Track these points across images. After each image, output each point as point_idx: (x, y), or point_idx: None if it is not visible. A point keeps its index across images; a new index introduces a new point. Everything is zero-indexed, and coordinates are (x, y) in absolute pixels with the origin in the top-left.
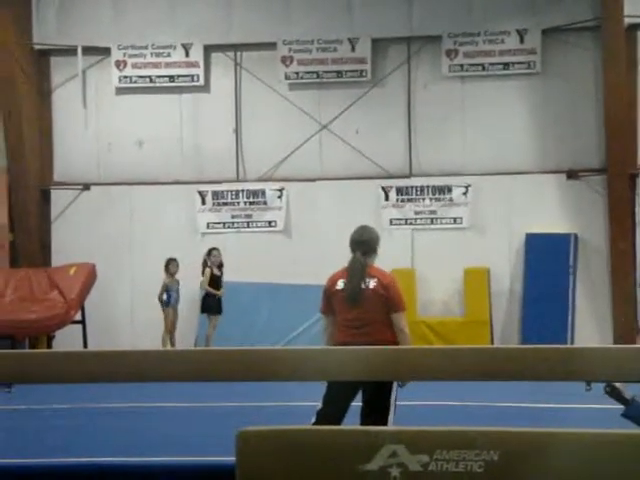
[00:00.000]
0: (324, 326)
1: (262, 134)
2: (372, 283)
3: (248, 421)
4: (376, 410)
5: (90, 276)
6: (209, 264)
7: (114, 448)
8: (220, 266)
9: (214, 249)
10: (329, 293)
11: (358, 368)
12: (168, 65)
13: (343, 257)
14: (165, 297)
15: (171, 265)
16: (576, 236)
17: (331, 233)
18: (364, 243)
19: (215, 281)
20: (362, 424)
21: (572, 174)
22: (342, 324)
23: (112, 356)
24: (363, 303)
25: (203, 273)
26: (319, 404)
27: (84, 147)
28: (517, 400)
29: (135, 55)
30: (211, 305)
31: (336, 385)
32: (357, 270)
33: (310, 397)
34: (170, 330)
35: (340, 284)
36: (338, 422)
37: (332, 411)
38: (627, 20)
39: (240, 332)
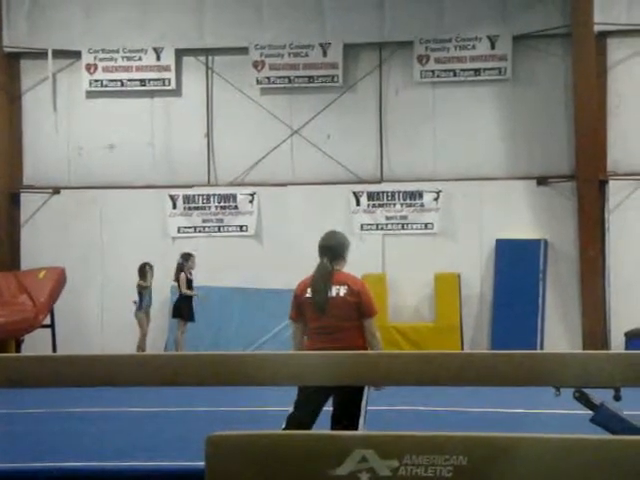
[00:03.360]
0: (293, 333)
1: (233, 139)
2: (342, 290)
3: (218, 426)
4: (347, 415)
5: (60, 280)
6: (185, 269)
7: (83, 453)
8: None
9: (192, 255)
10: (299, 300)
11: (331, 373)
12: (139, 69)
13: (314, 262)
14: (137, 301)
15: (148, 269)
16: (546, 242)
17: (302, 238)
18: (330, 249)
19: (189, 285)
20: (332, 429)
21: (542, 180)
22: (313, 331)
23: (83, 360)
24: (332, 310)
25: (177, 277)
26: (290, 409)
27: (54, 151)
28: (486, 405)
29: (106, 59)
30: (184, 311)
31: (307, 390)
32: (322, 277)
33: (281, 402)
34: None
35: (309, 291)
36: (309, 427)
37: (303, 416)
38: (597, 27)
39: (211, 336)
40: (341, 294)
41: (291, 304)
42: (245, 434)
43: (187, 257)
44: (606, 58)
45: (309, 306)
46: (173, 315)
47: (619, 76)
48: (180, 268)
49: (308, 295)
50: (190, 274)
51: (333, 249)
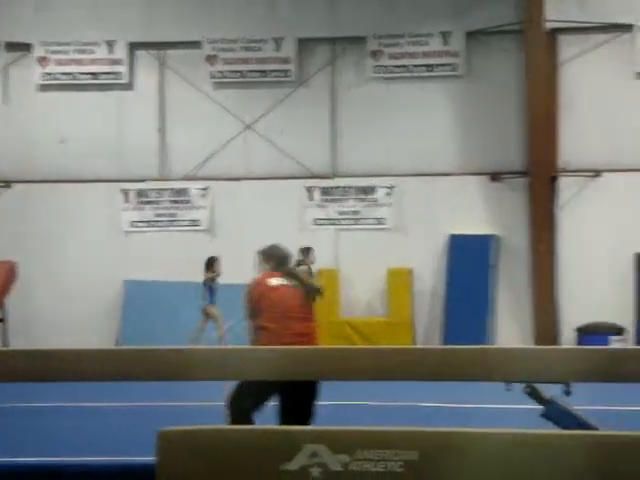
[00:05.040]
0: (250, 330)
1: (187, 133)
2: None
3: (169, 421)
4: (297, 409)
5: (10, 274)
6: (305, 263)
7: (31, 448)
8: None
9: (311, 248)
10: (262, 292)
11: (282, 367)
12: (91, 62)
13: None
14: (209, 295)
15: (215, 263)
16: (498, 237)
17: (255, 232)
18: (286, 259)
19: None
20: (281, 423)
21: (495, 176)
22: (280, 322)
23: (33, 355)
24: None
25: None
26: (238, 400)
27: (5, 144)
28: (437, 400)
29: (58, 52)
30: None
31: (255, 383)
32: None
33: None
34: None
35: (274, 281)
36: (253, 417)
37: (248, 406)
38: (548, 24)
39: (164, 331)
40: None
41: (248, 301)
42: (196, 429)
43: (307, 251)
44: (558, 55)
45: (279, 294)
46: None
47: (571, 73)
48: (299, 263)
49: (275, 284)
50: (310, 269)
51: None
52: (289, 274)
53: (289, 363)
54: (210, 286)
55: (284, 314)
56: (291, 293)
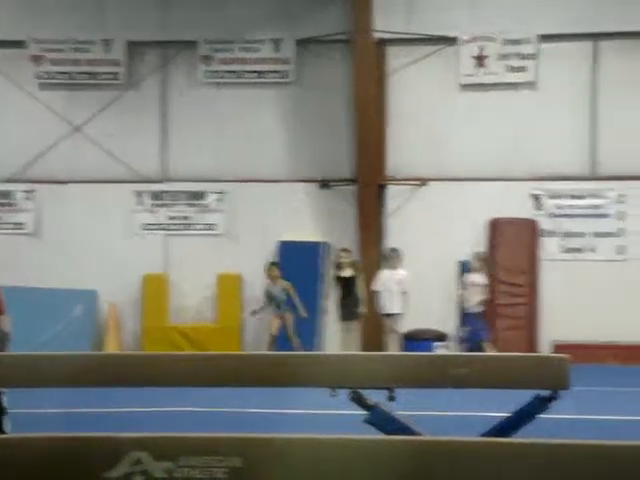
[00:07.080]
0: None
1: (11, 134)
2: None
3: None
4: None
5: None
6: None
7: None
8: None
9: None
10: None
11: (107, 374)
12: None
13: (95, 260)
14: (268, 302)
15: (271, 268)
16: (328, 244)
17: (82, 236)
18: None
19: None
20: None
21: (324, 183)
22: None
23: None
24: None
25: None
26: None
27: None
28: (262, 406)
29: None
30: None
31: None
32: None
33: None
34: (274, 335)
35: None
36: None
37: None
38: (376, 34)
39: None
40: None
41: None
42: (11, 437)
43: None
44: (386, 65)
45: None
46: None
47: (398, 84)
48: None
49: None
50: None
51: None
52: None
53: (114, 370)
54: (269, 292)
55: None
56: None
